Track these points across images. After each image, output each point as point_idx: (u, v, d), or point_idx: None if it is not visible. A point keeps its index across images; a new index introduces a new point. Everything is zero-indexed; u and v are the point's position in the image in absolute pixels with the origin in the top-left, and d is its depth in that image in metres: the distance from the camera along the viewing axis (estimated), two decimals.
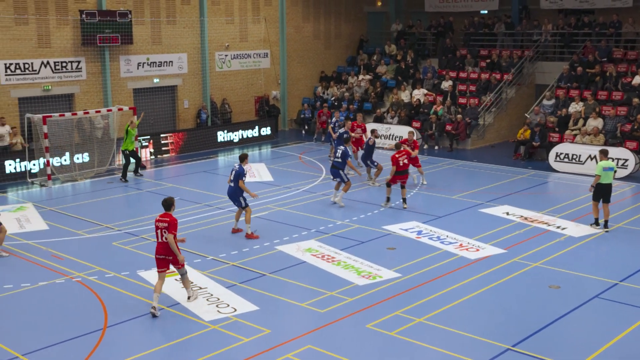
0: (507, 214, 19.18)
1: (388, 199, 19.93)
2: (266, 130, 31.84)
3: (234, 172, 17.15)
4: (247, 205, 17.23)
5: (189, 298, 13.22)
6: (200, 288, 13.88)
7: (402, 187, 19.90)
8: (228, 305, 13.03)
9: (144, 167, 25.59)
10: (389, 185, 19.84)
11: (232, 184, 17.12)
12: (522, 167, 25.61)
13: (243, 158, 17.46)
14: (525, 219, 18.68)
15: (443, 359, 11.06)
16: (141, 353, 11.25)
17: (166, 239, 12.61)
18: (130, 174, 24.03)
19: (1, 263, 15.62)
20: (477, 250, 16.22)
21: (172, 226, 12.65)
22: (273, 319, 12.52)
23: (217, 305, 13.03)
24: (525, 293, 13.73)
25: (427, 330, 12.06)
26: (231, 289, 13.87)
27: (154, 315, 12.55)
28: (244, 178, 17.09)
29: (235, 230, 17.55)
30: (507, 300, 13.40)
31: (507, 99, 31.01)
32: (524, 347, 11.37)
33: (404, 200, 19.86)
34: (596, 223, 17.82)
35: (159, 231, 12.72)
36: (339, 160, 20.11)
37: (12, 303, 13.37)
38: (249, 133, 31.16)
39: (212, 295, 13.54)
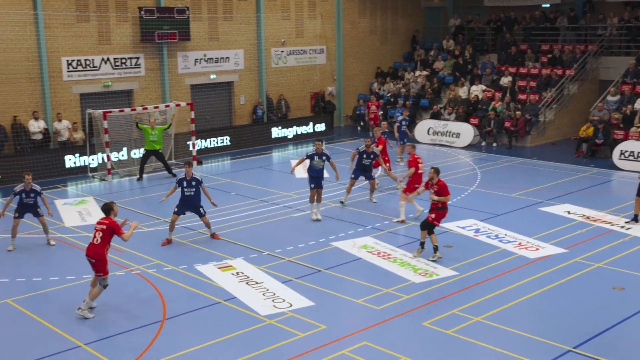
0: (569, 212, 18.74)
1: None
2: (320, 127, 31.81)
3: (194, 182, 16.43)
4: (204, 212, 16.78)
5: (79, 309, 12.50)
6: (257, 283, 13.91)
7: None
8: (284, 301, 13.03)
9: (200, 163, 25.82)
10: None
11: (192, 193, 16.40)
12: (584, 165, 24.99)
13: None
14: (588, 218, 18.22)
15: (501, 359, 10.84)
16: (198, 346, 11.33)
17: (97, 241, 12.39)
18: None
19: (64, 255, 15.94)
20: (537, 249, 15.88)
21: (113, 229, 12.45)
22: (329, 315, 12.46)
23: (273, 300, 13.03)
24: (587, 294, 13.38)
25: (485, 329, 11.85)
26: (287, 284, 13.87)
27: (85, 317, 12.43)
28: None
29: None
30: (568, 301, 13.07)
31: (569, 95, 30.32)
32: (585, 349, 11.07)
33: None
34: (635, 219, 17.39)
35: (96, 232, 12.51)
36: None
37: (75, 294, 13.60)
38: (303, 129, 31.18)
39: (268, 290, 13.55)
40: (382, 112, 31.88)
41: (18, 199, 16.32)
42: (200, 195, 16.52)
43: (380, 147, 20.68)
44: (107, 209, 12.78)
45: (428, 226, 15.14)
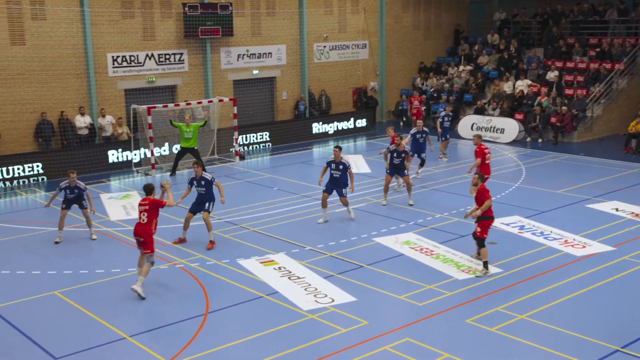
0: (617, 210, 18.35)
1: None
2: (362, 122, 31.69)
3: (203, 181, 16.10)
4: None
5: (139, 294, 13.07)
6: (299, 278, 13.91)
7: None
8: (326, 296, 13.00)
9: (242, 158, 25.94)
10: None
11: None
12: (634, 161, 24.46)
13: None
14: (637, 215, 17.83)
15: (546, 358, 10.67)
16: (240, 340, 11.37)
17: (144, 220, 13.20)
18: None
19: (109, 248, 16.15)
20: (584, 247, 15.58)
21: (156, 204, 13.31)
22: (371, 311, 12.40)
23: (315, 295, 13.02)
24: (635, 293, 13.09)
25: (529, 327, 11.66)
26: (329, 279, 13.84)
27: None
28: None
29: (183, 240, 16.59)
30: (616, 299, 12.80)
31: (617, 90, 29.68)
32: (634, 349, 10.84)
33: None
34: None
35: (140, 214, 13.34)
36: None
37: (120, 286, 13.78)
38: (344, 125, 31.09)
39: (310, 285, 13.54)
40: (424, 108, 31.65)
41: (63, 194, 16.59)
42: (211, 193, 16.29)
43: (393, 146, 19.81)
44: (149, 189, 13.62)
45: (478, 240, 14.08)
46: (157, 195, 13.84)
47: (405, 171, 19.24)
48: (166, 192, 13.79)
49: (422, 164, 22.17)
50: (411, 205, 19.04)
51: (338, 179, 17.62)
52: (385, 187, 19.29)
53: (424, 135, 21.74)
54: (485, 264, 13.99)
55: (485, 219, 13.99)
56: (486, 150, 18.15)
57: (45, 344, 11.31)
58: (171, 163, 24.67)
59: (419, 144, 21.75)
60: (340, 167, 17.55)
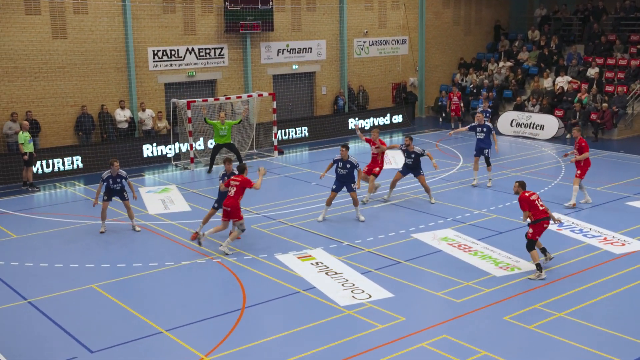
0: None
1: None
2: (398, 118, 31.58)
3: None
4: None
5: (221, 246, 15.18)
6: (336, 273, 13.94)
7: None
8: (363, 292, 13.02)
9: (281, 153, 26.05)
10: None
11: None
12: None
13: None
14: None
15: (584, 356, 10.56)
16: (277, 334, 11.44)
17: (232, 194, 15.01)
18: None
19: (147, 242, 16.35)
20: (623, 244, 15.37)
21: (245, 183, 15.04)
22: (408, 307, 12.39)
23: (352, 291, 13.04)
24: None
25: (568, 325, 11.56)
26: (366, 275, 13.85)
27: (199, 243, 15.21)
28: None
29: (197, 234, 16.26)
30: None
31: None
32: None
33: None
34: None
35: (229, 187, 15.11)
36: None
37: (157, 280, 13.97)
38: (380, 120, 31.01)
39: (347, 280, 13.57)
40: (462, 104, 31.41)
41: (105, 186, 16.78)
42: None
43: (384, 147, 19.28)
44: (242, 168, 15.47)
45: (529, 243, 13.78)
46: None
47: (421, 171, 18.93)
48: (259, 178, 15.23)
49: (488, 164, 20.73)
50: (433, 203, 18.88)
51: (345, 176, 17.46)
52: (392, 183, 19.32)
53: (484, 129, 20.61)
54: (538, 266, 13.63)
55: (534, 223, 13.68)
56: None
57: (82, 338, 11.44)
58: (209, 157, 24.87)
59: (478, 139, 20.65)
60: (348, 165, 17.37)
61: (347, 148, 17.72)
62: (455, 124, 30.51)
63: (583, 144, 18.20)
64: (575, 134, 18.75)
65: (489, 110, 25.34)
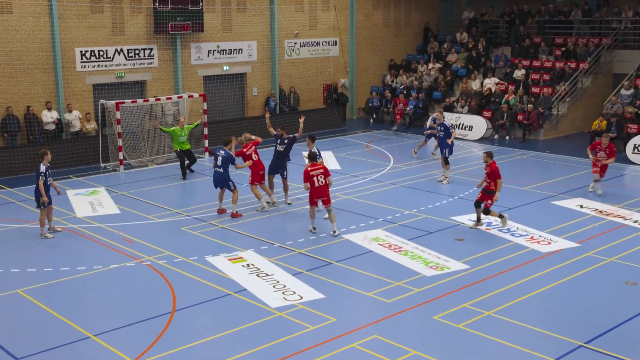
0: (581, 207, 18.62)
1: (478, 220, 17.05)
2: (331, 119, 31.76)
3: (220, 157, 17.75)
4: (235, 187, 17.97)
5: (334, 232, 16.22)
6: (267, 275, 13.90)
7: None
8: (294, 293, 13.02)
9: (212, 154, 25.82)
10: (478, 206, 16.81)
11: (220, 169, 17.73)
12: None
13: (227, 142, 18.14)
14: (600, 212, 18.09)
15: (512, 354, 10.80)
16: (208, 337, 11.34)
17: (322, 183, 15.94)
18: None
19: (74, 245, 15.98)
20: (549, 243, 15.78)
21: (327, 172, 16.15)
22: (339, 308, 12.44)
23: (283, 293, 13.02)
24: (599, 289, 13.29)
25: (496, 323, 11.80)
26: (297, 276, 13.85)
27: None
28: (236, 162, 17.95)
29: (221, 211, 18.21)
30: (581, 295, 12.98)
31: (582, 89, 30.10)
32: (598, 344, 11.00)
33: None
34: None
35: (314, 178, 15.89)
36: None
37: (85, 285, 13.67)
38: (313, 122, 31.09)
39: (278, 282, 13.54)
40: (408, 108, 31.26)
41: (44, 181, 16.15)
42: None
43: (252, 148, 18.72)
44: (315, 156, 16.45)
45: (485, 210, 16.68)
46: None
47: (285, 172, 18.92)
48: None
49: (446, 163, 21.26)
50: (289, 204, 18.99)
51: (282, 154, 18.72)
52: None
53: (442, 129, 21.55)
54: (500, 215, 16.64)
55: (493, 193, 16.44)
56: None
57: (7, 344, 11.15)
58: (140, 159, 24.50)
59: (439, 138, 21.87)
60: (286, 141, 18.73)
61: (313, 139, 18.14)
62: (400, 127, 30.55)
63: (494, 168, 16.69)
64: (485, 158, 17.03)
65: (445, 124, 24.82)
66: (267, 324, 11.82)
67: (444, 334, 11.47)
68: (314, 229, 16.52)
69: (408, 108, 31.21)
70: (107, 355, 10.81)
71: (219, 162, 17.81)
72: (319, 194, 16.11)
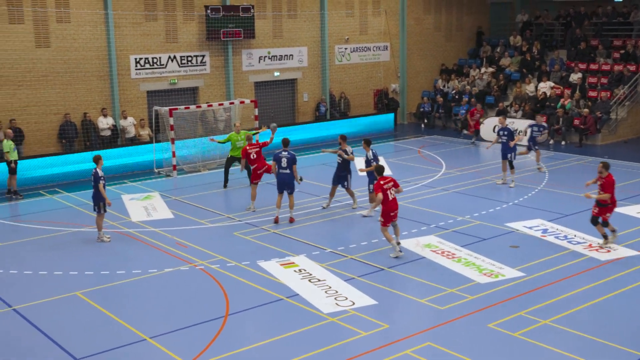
0: None
1: None
2: (382, 124, 31.60)
3: (284, 159, 17.59)
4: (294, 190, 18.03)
5: (398, 243, 15.40)
6: (319, 280, 13.87)
7: None
8: (346, 299, 12.95)
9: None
10: None
11: (287, 171, 17.60)
12: None
13: (287, 143, 18.00)
14: None
15: None
16: (261, 342, 11.35)
17: (394, 196, 15.17)
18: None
19: (130, 249, 16.20)
20: (609, 251, 15.39)
21: (396, 183, 15.41)
22: (391, 314, 12.35)
23: (335, 298, 12.97)
24: None
25: (553, 332, 11.54)
26: (350, 282, 13.79)
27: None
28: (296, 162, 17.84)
29: (277, 220, 17.96)
30: None
31: None
32: None
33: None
34: None
35: (387, 192, 14.97)
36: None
37: (140, 288, 13.85)
38: (365, 126, 30.99)
39: (330, 287, 13.50)
40: (462, 113, 30.82)
41: (103, 184, 16.38)
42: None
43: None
44: (382, 169, 15.57)
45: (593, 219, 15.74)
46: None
47: (346, 183, 18.84)
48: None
49: (511, 167, 21.40)
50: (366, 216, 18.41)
51: (340, 166, 18.63)
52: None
53: (505, 133, 21.47)
54: (604, 236, 15.66)
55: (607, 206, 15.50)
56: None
57: (67, 345, 11.36)
58: (193, 164, 24.74)
59: (502, 143, 21.51)
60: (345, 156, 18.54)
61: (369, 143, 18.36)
62: (477, 137, 29.14)
63: (610, 181, 15.74)
64: (600, 169, 15.85)
65: (544, 125, 23.73)
66: (319, 329, 11.78)
67: (499, 342, 11.26)
68: (400, 251, 15.22)
69: (475, 116, 30.76)
70: (163, 357, 10.92)
71: (284, 164, 17.63)
72: (393, 207, 15.06)
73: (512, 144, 21.18)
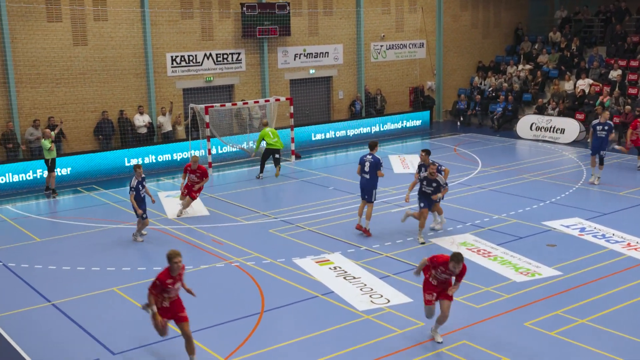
0: None
1: None
2: (418, 122, 31.45)
3: (367, 163, 16.24)
4: (374, 199, 16.48)
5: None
6: (354, 278, 13.86)
7: None
8: (382, 296, 12.93)
9: (299, 157, 26.00)
10: None
11: (367, 176, 16.23)
12: None
13: (373, 146, 16.49)
14: None
15: None
16: (296, 339, 11.39)
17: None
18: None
19: (166, 246, 16.31)
20: None
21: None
22: None
23: (370, 296, 12.95)
24: None
25: (590, 332, 11.39)
26: (385, 279, 13.76)
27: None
28: (381, 168, 16.27)
29: (360, 227, 16.65)
30: None
31: None
32: None
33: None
34: None
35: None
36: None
37: None
38: (400, 124, 30.88)
39: (365, 285, 13.48)
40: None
41: (135, 194, 16.15)
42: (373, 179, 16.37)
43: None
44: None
45: None
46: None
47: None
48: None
49: (601, 163, 20.83)
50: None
51: (363, 180, 16.50)
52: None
53: (605, 127, 20.83)
54: None
55: None
56: None
57: (105, 339, 11.53)
58: (227, 161, 24.88)
59: (599, 138, 20.82)
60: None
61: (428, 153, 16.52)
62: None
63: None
64: None
65: (609, 122, 21.46)
66: (354, 326, 11.78)
67: (536, 341, 11.15)
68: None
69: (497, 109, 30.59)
70: (199, 353, 10.96)
71: (366, 168, 16.24)
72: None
73: (612, 136, 20.82)
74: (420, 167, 16.59)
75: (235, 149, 25.52)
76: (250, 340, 11.35)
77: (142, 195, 16.40)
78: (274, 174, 22.54)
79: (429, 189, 15.68)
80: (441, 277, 11.00)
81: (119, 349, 11.17)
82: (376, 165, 16.20)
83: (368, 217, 16.49)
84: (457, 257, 10.71)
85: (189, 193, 18.54)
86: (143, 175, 16.51)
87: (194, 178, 18.38)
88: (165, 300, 10.44)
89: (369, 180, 16.29)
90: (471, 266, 14.39)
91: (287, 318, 12.28)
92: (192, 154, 18.73)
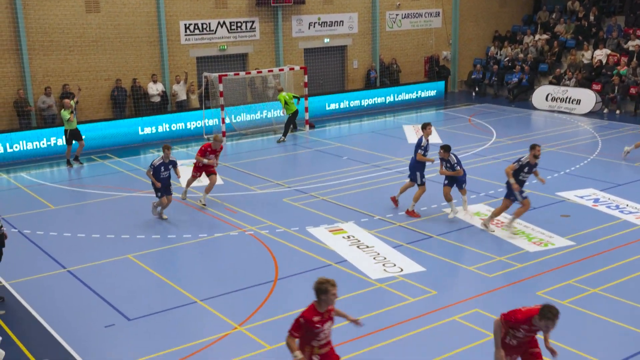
0: None
1: None
2: (433, 92, 31.28)
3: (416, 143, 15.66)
4: (423, 183, 15.78)
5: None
6: (368, 247, 13.91)
7: None
8: (395, 265, 12.98)
9: (312, 127, 25.96)
10: None
11: (414, 155, 15.71)
12: None
13: (424, 127, 15.69)
14: None
15: (619, 332, 10.43)
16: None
17: None
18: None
19: (180, 214, 16.44)
20: None
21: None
22: (440, 281, 12.33)
23: (383, 265, 13.01)
24: None
25: (602, 301, 11.41)
26: (398, 249, 13.80)
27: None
28: (420, 151, 15.44)
29: (394, 200, 16.39)
30: None
31: None
32: None
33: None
34: None
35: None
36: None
37: (191, 252, 14.09)
38: (413, 95, 30.73)
39: (378, 254, 13.53)
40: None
41: (154, 173, 15.57)
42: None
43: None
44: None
45: None
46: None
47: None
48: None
49: None
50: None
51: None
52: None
53: None
54: None
55: None
56: None
57: (120, 306, 11.65)
58: (242, 131, 24.90)
59: None
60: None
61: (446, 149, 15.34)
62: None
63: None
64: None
65: None
66: (367, 294, 11.84)
67: None
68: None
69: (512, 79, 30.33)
70: (213, 319, 11.11)
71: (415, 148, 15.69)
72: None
73: None
74: (441, 160, 15.59)
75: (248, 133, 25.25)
76: (263, 307, 11.45)
77: (162, 177, 15.60)
78: (279, 139, 22.71)
79: (526, 176, 14.57)
80: (523, 335, 8.10)
81: (134, 315, 11.30)
82: (417, 144, 15.63)
83: (415, 198, 15.75)
84: (549, 313, 7.61)
85: (208, 170, 17.11)
86: (172, 158, 15.80)
87: (212, 157, 17.04)
88: (315, 350, 8.06)
89: (412, 159, 15.87)
90: (484, 236, 14.44)
91: (300, 286, 12.34)
92: (215, 135, 17.08)
